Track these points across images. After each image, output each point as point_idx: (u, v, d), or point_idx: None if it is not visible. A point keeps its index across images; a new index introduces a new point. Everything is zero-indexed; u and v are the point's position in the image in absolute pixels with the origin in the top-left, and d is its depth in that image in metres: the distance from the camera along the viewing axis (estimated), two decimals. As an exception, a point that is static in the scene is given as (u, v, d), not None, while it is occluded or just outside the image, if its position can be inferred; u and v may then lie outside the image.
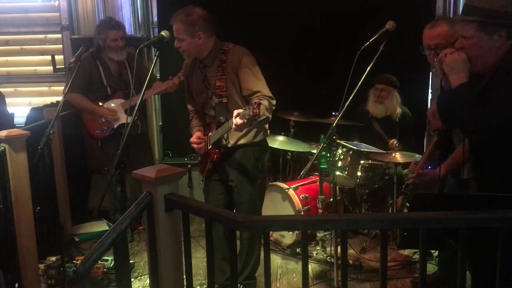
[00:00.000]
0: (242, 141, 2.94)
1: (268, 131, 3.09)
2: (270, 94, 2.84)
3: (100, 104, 3.91)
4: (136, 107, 2.64)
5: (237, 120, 2.55)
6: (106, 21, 3.97)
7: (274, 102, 2.85)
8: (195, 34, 2.78)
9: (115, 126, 3.90)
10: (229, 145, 2.94)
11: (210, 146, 2.96)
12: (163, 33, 2.68)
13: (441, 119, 2.30)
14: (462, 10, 2.10)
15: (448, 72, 2.02)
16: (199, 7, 2.86)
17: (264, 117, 2.73)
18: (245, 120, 2.50)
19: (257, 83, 2.83)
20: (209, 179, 3.10)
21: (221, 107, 2.88)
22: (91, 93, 3.92)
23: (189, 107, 3.18)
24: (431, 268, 3.43)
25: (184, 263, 1.93)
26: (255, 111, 2.45)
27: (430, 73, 4.56)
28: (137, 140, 3.98)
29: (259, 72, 2.89)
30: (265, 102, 2.75)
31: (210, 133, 2.97)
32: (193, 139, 3.01)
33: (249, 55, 2.90)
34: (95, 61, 3.90)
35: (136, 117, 3.83)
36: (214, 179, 3.08)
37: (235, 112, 2.55)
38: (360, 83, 2.66)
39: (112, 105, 3.91)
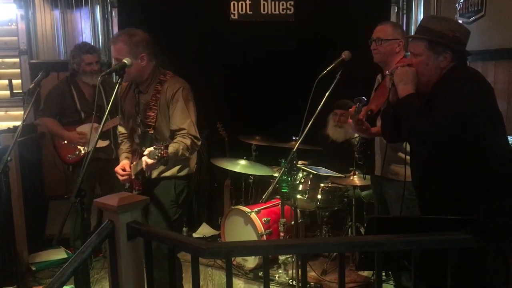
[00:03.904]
0: (165, 174, 2.87)
1: (195, 167, 3.03)
2: (196, 134, 2.80)
3: (72, 129, 3.88)
4: (99, 131, 2.57)
5: (146, 160, 2.53)
6: (81, 45, 3.97)
7: (198, 142, 2.81)
8: (138, 55, 2.73)
9: (88, 149, 3.86)
10: (152, 177, 2.85)
11: (134, 176, 2.88)
12: (125, 60, 2.67)
13: (383, 134, 2.44)
14: (416, 30, 2.29)
15: (397, 83, 2.17)
16: (140, 29, 2.79)
17: (183, 156, 2.72)
18: (155, 161, 2.47)
19: (185, 121, 2.77)
20: None
21: (145, 137, 2.81)
22: (65, 118, 3.92)
23: (120, 129, 3.13)
24: (390, 288, 3.52)
25: (146, 291, 1.94)
26: (162, 153, 2.43)
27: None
28: (111, 165, 3.92)
29: (191, 108, 2.82)
30: (187, 141, 2.73)
31: (134, 162, 2.90)
32: (117, 169, 2.91)
33: (185, 89, 2.82)
34: (69, 86, 3.90)
35: (109, 142, 3.88)
36: None
37: (146, 151, 2.53)
38: (318, 109, 2.76)
39: (86, 129, 3.87)
